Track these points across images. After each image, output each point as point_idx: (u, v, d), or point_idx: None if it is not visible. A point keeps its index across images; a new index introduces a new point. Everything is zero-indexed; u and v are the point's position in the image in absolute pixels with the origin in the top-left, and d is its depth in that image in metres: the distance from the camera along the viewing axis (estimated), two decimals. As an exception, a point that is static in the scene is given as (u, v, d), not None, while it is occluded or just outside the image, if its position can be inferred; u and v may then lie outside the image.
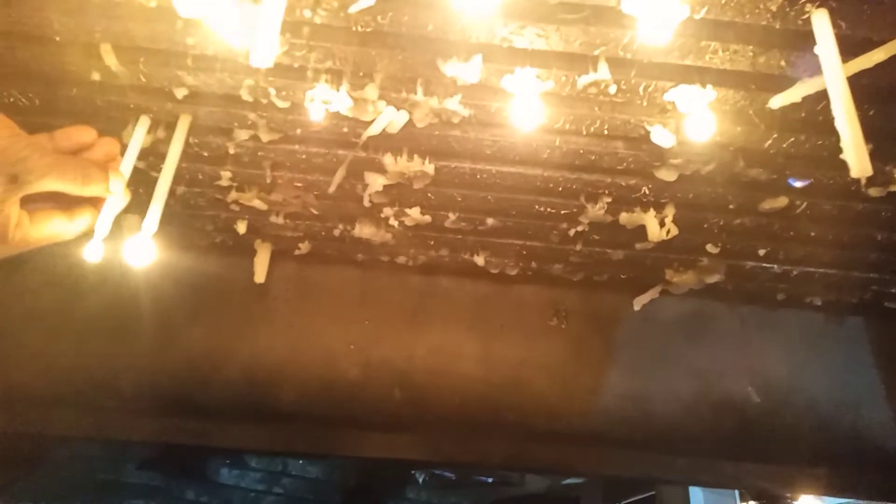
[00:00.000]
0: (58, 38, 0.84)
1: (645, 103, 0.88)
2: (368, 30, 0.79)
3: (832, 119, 0.67)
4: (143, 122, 0.95)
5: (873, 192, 0.97)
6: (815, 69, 0.71)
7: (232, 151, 1.04)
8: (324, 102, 0.89)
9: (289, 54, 0.83)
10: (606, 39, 0.77)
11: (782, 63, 0.79)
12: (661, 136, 0.91)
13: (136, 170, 0.88)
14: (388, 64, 0.85)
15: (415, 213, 1.19)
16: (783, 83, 0.82)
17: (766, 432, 1.41)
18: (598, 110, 0.90)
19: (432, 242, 1.32)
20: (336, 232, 1.28)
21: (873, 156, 0.93)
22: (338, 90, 0.88)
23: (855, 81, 0.72)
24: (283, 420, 1.38)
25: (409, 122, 0.95)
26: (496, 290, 1.49)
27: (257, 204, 1.17)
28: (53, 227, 0.69)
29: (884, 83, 0.81)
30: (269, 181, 1.11)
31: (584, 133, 0.96)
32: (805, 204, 1.07)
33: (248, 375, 1.38)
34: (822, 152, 0.95)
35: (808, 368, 1.49)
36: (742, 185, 1.05)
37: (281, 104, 0.93)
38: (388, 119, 0.94)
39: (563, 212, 1.15)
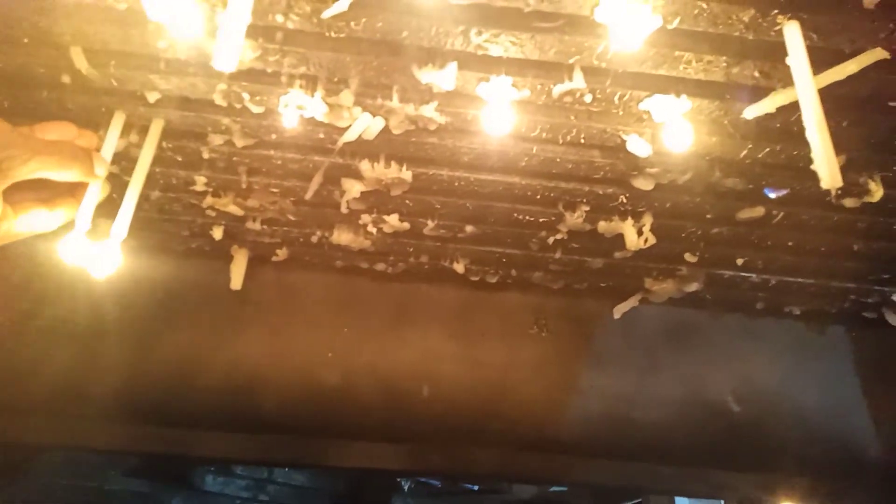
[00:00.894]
0: (26, 40, 0.83)
1: (621, 112, 0.88)
2: (342, 35, 0.79)
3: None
4: (119, 119, 0.92)
5: (848, 202, 0.97)
6: (789, 80, 0.71)
7: (206, 156, 1.03)
8: (298, 108, 0.88)
9: (262, 59, 0.82)
10: (581, 48, 0.76)
11: (756, 74, 0.79)
12: (638, 146, 0.91)
13: (109, 174, 0.87)
14: (363, 70, 0.84)
15: (393, 220, 1.18)
16: (758, 94, 0.82)
17: (752, 441, 1.41)
18: (575, 119, 0.90)
19: (412, 249, 1.31)
20: (314, 238, 1.27)
21: (848, 167, 0.95)
22: (312, 96, 0.87)
23: (829, 93, 0.72)
24: (264, 429, 1.36)
25: (386, 129, 0.94)
26: (477, 298, 1.48)
27: (233, 210, 1.15)
28: (35, 219, 0.68)
29: (857, 95, 0.82)
30: (244, 186, 1.10)
31: (561, 142, 0.95)
32: (782, 214, 1.07)
33: (226, 383, 1.36)
34: (798, 162, 0.95)
35: (792, 377, 1.49)
36: (719, 194, 1.05)
37: (255, 109, 0.92)
38: (364, 125, 0.93)
39: (541, 220, 1.14)
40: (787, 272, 1.25)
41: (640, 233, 1.12)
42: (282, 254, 1.34)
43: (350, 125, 0.93)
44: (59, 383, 1.29)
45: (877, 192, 0.96)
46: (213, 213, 1.18)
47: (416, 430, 1.37)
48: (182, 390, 1.35)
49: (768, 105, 0.80)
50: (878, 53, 0.74)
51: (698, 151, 0.93)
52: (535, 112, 0.89)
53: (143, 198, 0.90)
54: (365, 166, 1.03)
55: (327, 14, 0.74)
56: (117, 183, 1.00)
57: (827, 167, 0.66)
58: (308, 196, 1.10)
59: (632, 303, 1.40)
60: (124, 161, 1.01)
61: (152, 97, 0.91)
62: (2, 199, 0.63)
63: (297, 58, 0.82)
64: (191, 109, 0.93)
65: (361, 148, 1.00)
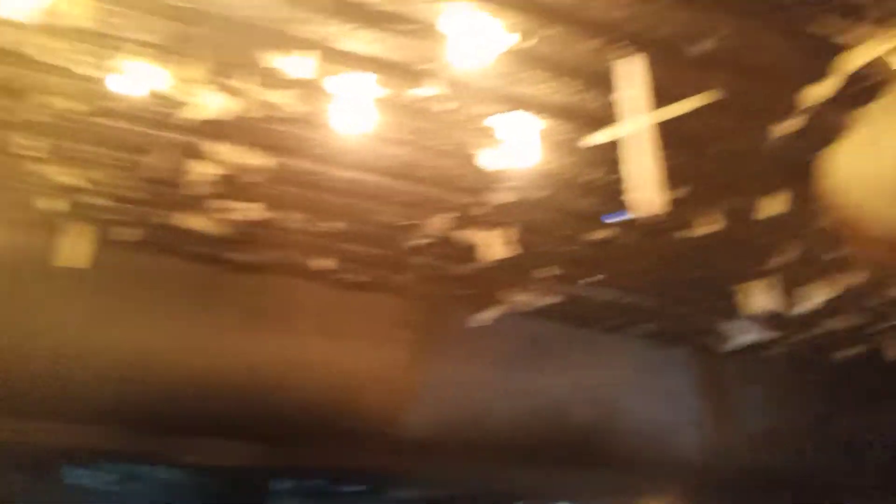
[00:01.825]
0: None
1: (475, 125, 0.88)
2: (189, 6, 0.72)
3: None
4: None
5: (680, 234, 1.03)
6: (638, 110, 0.74)
7: (28, 117, 0.91)
8: (138, 77, 0.81)
9: (99, 20, 0.74)
10: (433, 56, 0.75)
11: (607, 101, 0.82)
12: (488, 159, 0.91)
13: None
14: (215, 48, 0.78)
15: (253, 210, 1.13)
16: (608, 120, 0.85)
17: (593, 447, 1.50)
18: (433, 125, 0.89)
19: (277, 242, 1.25)
20: (166, 221, 1.18)
21: (681, 200, 1.01)
22: (158, 66, 0.80)
23: (666, 127, 0.76)
24: (98, 420, 1.27)
25: (242, 114, 0.88)
26: (341, 297, 1.45)
27: (67, 180, 1.04)
28: None
29: (692, 132, 0.87)
30: (75, 156, 0.99)
31: (420, 146, 0.94)
32: (623, 239, 1.12)
33: (59, 369, 1.24)
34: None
35: (634, 393, 1.60)
36: (572, 213, 1.08)
37: (89, 73, 0.83)
38: (214, 104, 0.87)
39: (402, 223, 1.13)
40: (632, 294, 1.32)
41: (498, 244, 1.13)
42: (130, 234, 1.23)
43: (198, 102, 0.86)
44: None
45: (709, 225, 1.03)
46: (40, 181, 1.06)
47: (272, 427, 1.33)
48: (5, 375, 1.23)
49: (614, 132, 0.83)
50: (711, 95, 0.79)
51: (552, 171, 0.96)
52: (392, 113, 0.87)
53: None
54: (221, 149, 0.97)
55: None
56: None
57: (640, 196, 0.69)
58: (150, 174, 1.01)
59: (491, 313, 1.42)
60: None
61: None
62: None
63: (138, 22, 0.75)
64: (4, 62, 0.82)
65: (215, 129, 0.93)
